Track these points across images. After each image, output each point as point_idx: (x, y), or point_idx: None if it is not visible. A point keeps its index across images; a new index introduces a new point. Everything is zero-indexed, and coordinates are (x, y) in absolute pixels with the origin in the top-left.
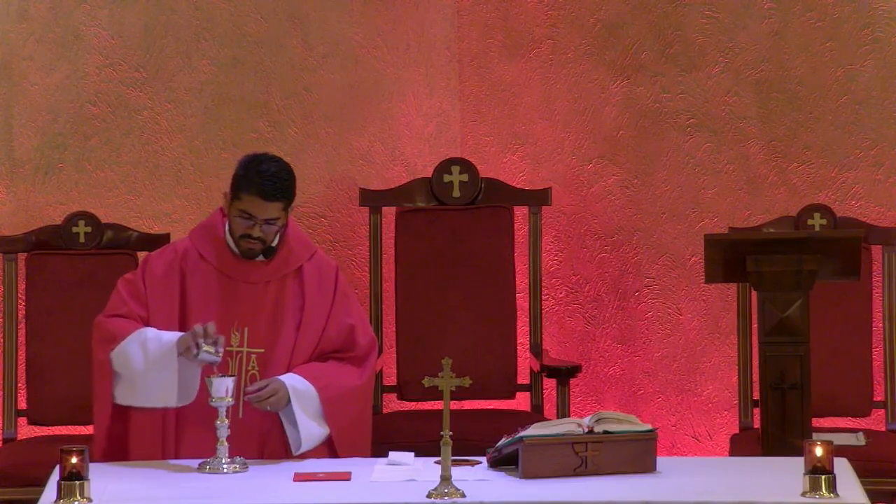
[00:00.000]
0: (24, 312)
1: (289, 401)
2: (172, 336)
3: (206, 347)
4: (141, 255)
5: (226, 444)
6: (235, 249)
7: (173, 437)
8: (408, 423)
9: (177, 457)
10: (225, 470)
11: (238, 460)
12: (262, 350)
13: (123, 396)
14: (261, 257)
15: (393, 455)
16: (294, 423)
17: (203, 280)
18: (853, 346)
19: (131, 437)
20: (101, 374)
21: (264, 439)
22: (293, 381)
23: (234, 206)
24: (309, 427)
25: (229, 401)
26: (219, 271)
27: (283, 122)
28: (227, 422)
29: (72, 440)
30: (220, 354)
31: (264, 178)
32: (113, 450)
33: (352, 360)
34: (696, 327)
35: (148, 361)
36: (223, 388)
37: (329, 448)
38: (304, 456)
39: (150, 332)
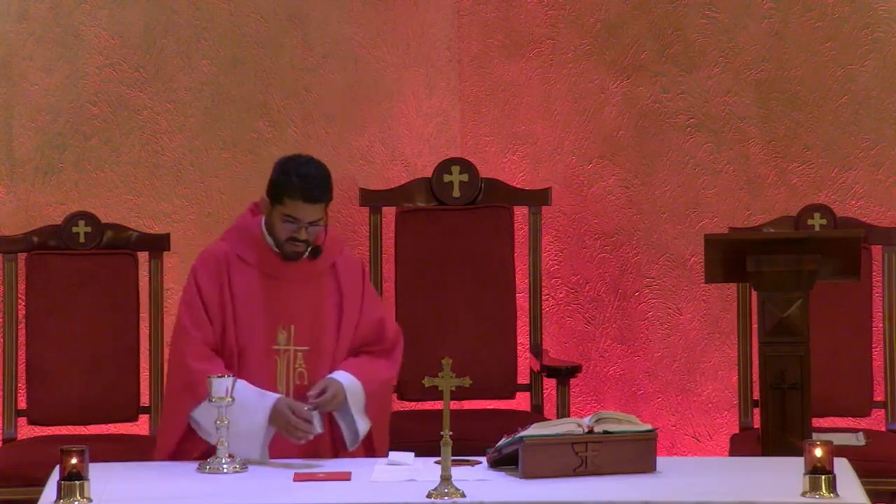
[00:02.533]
0: (24, 312)
1: (345, 398)
2: (265, 411)
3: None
4: (141, 255)
5: (226, 443)
6: (275, 248)
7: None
8: (408, 423)
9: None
10: (225, 470)
11: (238, 460)
12: (308, 348)
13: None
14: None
15: (393, 455)
16: (349, 421)
17: (247, 282)
18: (853, 346)
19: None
20: (179, 414)
21: (333, 441)
22: (345, 380)
23: (277, 210)
24: (362, 424)
25: (229, 401)
26: (261, 271)
27: (283, 122)
28: (227, 422)
29: (72, 440)
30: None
31: (306, 182)
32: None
33: (381, 353)
34: (696, 327)
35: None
36: (223, 388)
37: (365, 443)
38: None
39: (238, 402)
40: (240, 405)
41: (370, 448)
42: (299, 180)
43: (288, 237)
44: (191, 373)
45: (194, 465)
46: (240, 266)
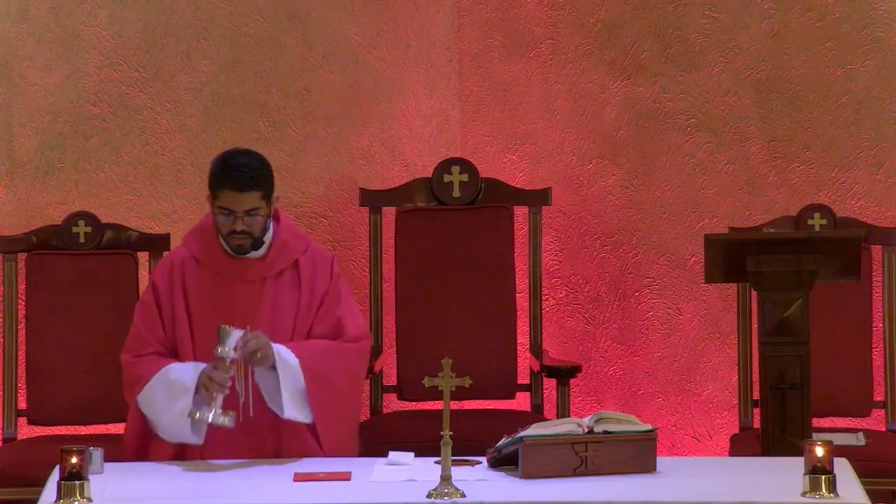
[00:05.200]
0: (24, 312)
1: (274, 361)
2: (193, 376)
3: (217, 414)
4: (141, 255)
5: (224, 393)
6: (229, 249)
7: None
8: (408, 423)
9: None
10: (209, 420)
11: (230, 413)
12: None
13: (155, 431)
14: (254, 253)
15: (393, 455)
16: (276, 387)
17: (202, 283)
18: (853, 346)
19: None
20: (131, 413)
21: (277, 436)
22: (278, 348)
23: (215, 205)
24: (291, 377)
25: (233, 355)
26: (216, 273)
27: (283, 122)
28: (230, 373)
29: (72, 440)
30: (231, 420)
31: (234, 171)
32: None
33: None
34: (696, 327)
35: (170, 404)
36: (234, 340)
37: (312, 431)
38: (298, 440)
39: (173, 374)
40: (172, 385)
41: (316, 435)
42: (229, 170)
43: (228, 231)
44: (132, 368)
45: (194, 464)
46: (195, 269)
